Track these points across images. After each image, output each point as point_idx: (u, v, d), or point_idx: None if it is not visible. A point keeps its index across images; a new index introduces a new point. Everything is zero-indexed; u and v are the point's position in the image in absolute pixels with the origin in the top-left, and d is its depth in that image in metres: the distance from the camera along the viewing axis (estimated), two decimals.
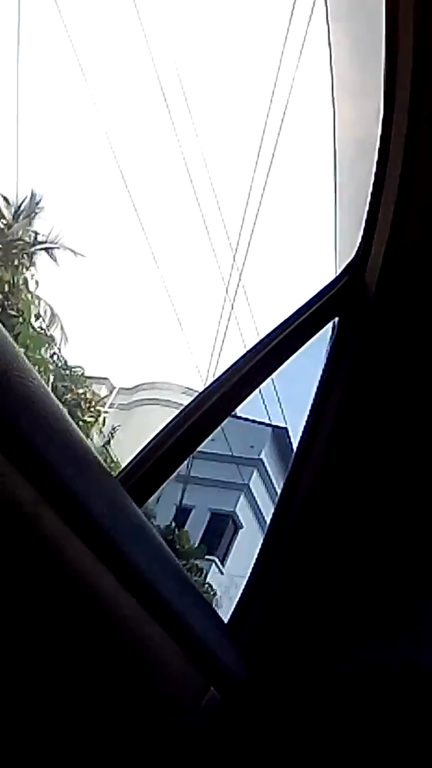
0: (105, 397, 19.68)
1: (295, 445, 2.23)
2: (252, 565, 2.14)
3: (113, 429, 16.93)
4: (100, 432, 16.50)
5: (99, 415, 16.56)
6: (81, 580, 1.25)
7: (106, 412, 17.55)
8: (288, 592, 2.07)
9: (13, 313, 14.93)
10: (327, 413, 2.11)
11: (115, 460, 14.30)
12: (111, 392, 21.06)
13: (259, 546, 2.15)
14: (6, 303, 15.37)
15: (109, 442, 16.47)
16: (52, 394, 1.29)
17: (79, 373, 17.39)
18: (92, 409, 16.39)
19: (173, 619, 1.46)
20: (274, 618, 2.05)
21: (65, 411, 1.33)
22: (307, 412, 2.11)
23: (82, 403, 16.26)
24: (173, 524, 16.42)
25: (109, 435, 16.74)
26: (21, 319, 14.80)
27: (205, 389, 2.08)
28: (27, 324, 14.93)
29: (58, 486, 1.19)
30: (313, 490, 2.10)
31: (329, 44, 1.92)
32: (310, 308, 2.07)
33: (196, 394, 2.14)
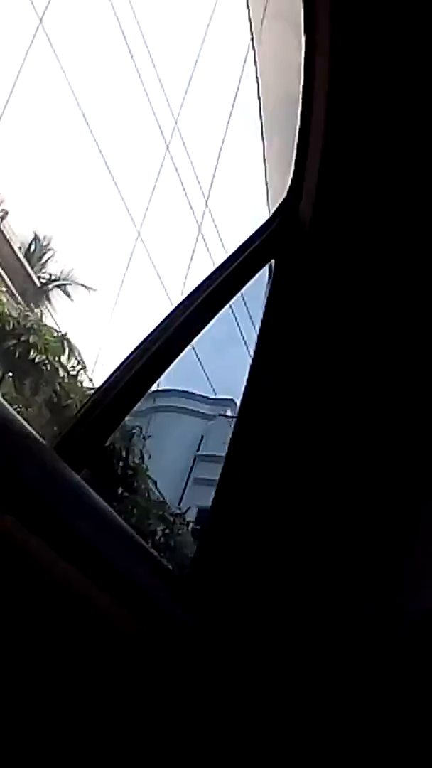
0: None
1: None
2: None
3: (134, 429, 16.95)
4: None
5: None
6: (13, 552, 1.13)
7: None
8: (242, 540, 1.91)
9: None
10: (270, 358, 1.94)
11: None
12: None
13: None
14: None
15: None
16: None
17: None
18: None
19: (118, 580, 1.32)
20: (231, 566, 1.88)
21: None
22: (250, 361, 1.95)
23: None
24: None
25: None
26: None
27: (144, 339, 1.92)
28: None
29: None
30: (262, 437, 1.93)
31: None
32: (244, 251, 1.91)
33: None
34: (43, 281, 20.45)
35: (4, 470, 1.15)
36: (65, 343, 14.91)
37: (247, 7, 1.80)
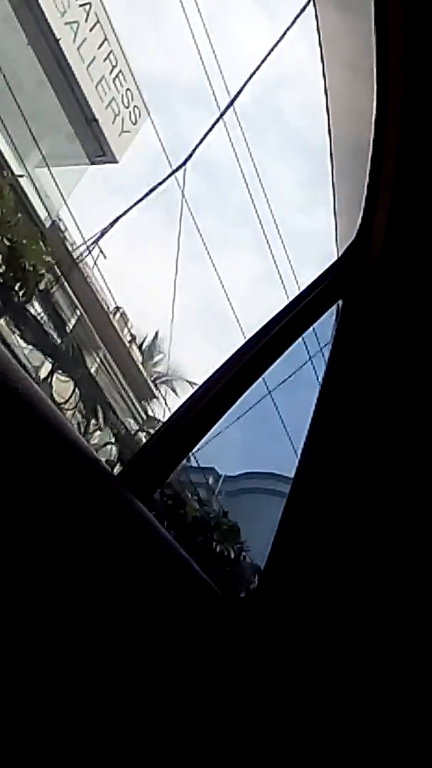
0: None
1: None
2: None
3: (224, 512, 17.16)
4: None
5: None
6: None
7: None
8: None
9: None
10: (336, 397, 1.84)
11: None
12: (218, 480, 21.43)
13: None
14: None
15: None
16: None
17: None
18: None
19: None
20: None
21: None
22: (316, 399, 1.85)
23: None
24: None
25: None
26: None
27: (210, 377, 1.86)
28: None
29: None
30: (324, 473, 1.81)
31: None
32: (312, 291, 1.84)
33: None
34: (153, 378, 21.29)
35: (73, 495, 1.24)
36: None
37: (321, 56, 1.79)
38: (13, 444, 1.26)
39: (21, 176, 14.19)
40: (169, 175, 15.82)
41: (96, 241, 16.47)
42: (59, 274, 15.15)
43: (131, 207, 16.14)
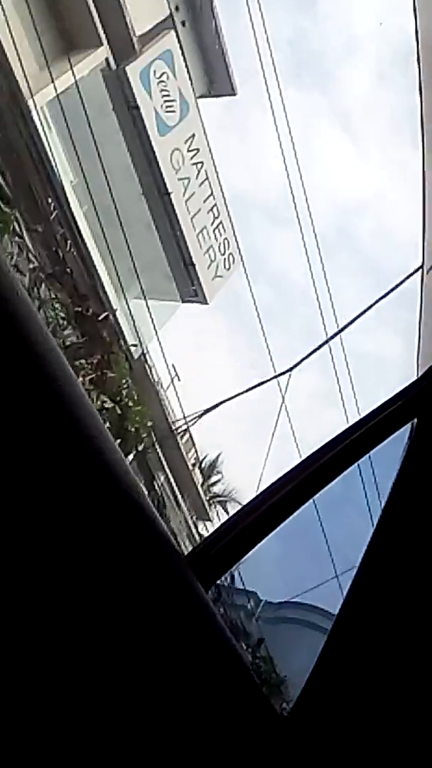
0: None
1: None
2: None
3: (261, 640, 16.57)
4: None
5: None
6: None
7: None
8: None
9: None
10: (403, 517, 1.79)
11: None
12: (258, 605, 20.70)
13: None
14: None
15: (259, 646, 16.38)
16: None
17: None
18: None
19: None
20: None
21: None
22: (379, 516, 1.80)
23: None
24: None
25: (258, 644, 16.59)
26: None
27: (278, 480, 1.84)
28: None
29: None
30: (372, 616, 1.73)
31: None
32: (389, 407, 1.84)
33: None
34: (208, 498, 21.31)
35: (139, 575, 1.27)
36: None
37: (423, 191, 1.87)
38: (93, 509, 1.30)
39: (134, 345, 15.01)
40: (271, 378, 16.18)
41: (199, 417, 16.90)
42: (155, 439, 15.58)
43: (238, 394, 16.48)
